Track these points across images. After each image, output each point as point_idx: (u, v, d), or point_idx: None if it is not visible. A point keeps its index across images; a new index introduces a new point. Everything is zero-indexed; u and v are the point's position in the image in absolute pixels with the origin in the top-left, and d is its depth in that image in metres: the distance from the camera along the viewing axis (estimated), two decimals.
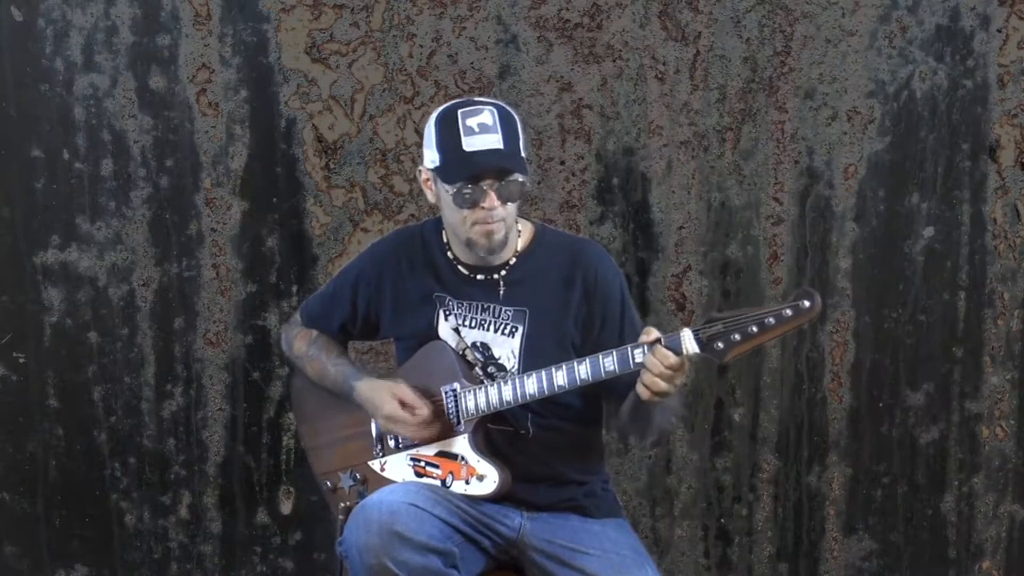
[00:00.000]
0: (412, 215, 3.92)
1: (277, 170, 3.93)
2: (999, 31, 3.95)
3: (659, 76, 3.93)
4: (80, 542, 4.04)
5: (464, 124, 2.79)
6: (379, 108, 3.91)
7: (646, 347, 2.68)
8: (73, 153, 3.90)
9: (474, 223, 2.81)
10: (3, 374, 3.97)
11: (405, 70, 3.90)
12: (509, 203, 2.81)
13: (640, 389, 2.69)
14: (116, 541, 4.04)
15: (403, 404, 2.88)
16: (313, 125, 3.91)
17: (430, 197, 2.91)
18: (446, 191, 2.81)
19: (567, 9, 3.89)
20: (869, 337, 4.04)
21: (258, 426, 4.01)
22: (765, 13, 3.91)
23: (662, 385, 2.66)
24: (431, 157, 2.84)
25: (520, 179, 2.80)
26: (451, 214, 2.84)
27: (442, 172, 2.82)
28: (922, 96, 3.96)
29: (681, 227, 3.98)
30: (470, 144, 2.78)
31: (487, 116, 2.80)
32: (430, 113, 3.87)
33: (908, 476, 4.10)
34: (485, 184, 2.78)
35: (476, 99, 2.88)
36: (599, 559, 2.87)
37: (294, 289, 3.96)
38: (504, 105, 2.86)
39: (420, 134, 3.90)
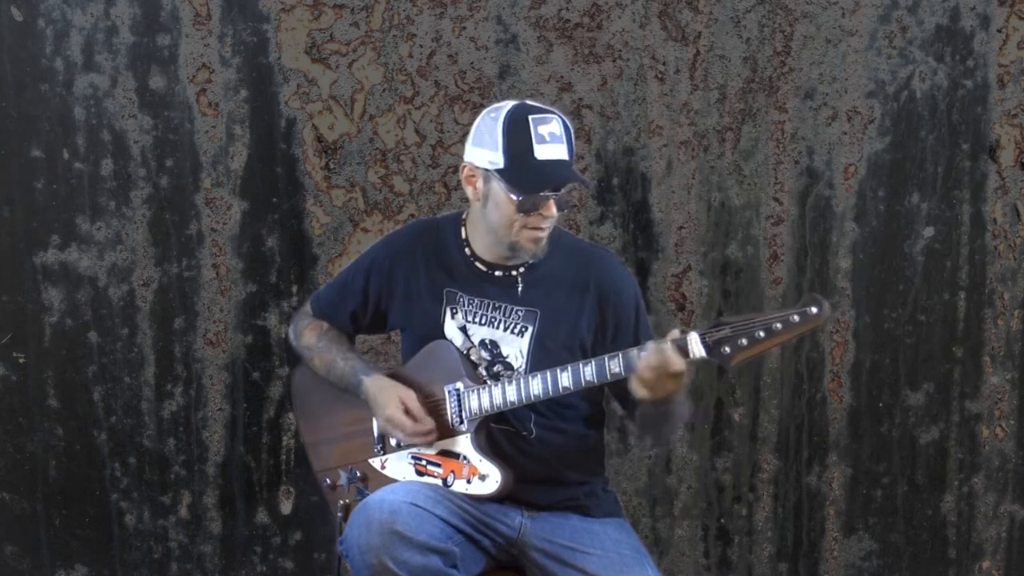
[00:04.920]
0: (412, 215, 3.92)
1: (277, 170, 3.93)
2: (999, 31, 3.95)
3: (659, 76, 3.93)
4: (80, 542, 4.04)
5: (536, 132, 2.77)
6: (379, 108, 3.91)
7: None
8: (73, 153, 3.90)
9: (524, 227, 2.81)
10: (3, 374, 3.97)
11: (405, 70, 3.90)
12: (562, 211, 2.83)
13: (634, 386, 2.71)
14: (116, 541, 4.04)
15: (407, 411, 2.88)
16: (313, 125, 3.91)
17: (470, 194, 2.88)
18: (505, 193, 2.79)
19: (567, 9, 3.89)
20: (869, 337, 4.04)
21: (258, 426, 4.01)
22: (765, 13, 3.92)
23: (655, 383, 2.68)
24: (490, 158, 2.80)
25: (575, 190, 2.81)
26: (500, 216, 2.82)
27: (507, 175, 2.78)
28: (922, 96, 3.96)
29: (681, 227, 3.98)
30: (541, 152, 2.77)
31: (556, 126, 2.79)
32: (428, 111, 3.88)
33: (908, 476, 4.10)
34: (547, 191, 2.78)
35: (539, 105, 2.85)
36: (599, 559, 2.87)
37: (294, 289, 3.96)
38: (562, 114, 2.86)
39: (420, 134, 3.90)
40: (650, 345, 2.68)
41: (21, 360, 3.97)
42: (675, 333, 2.68)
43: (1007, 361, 4.07)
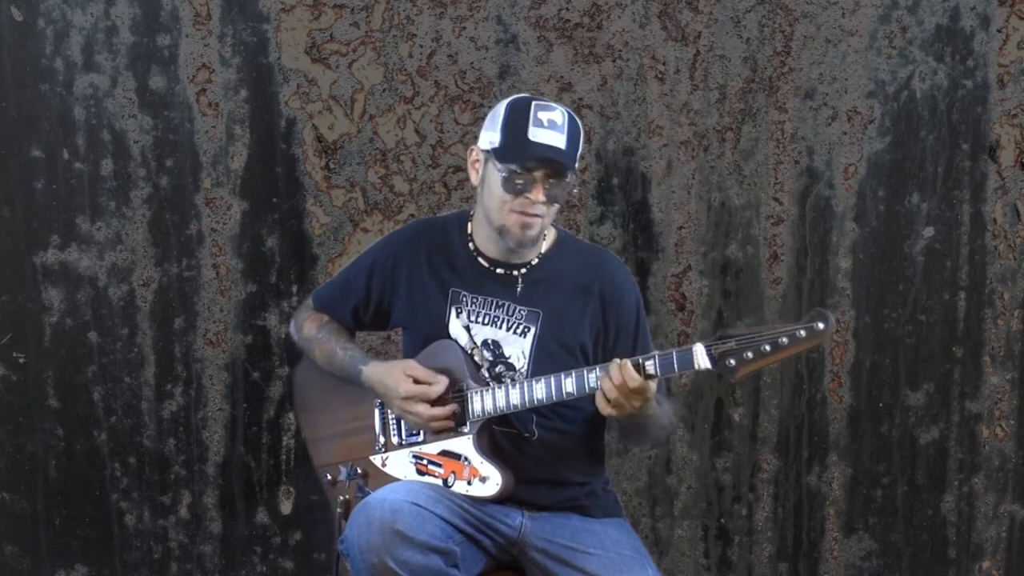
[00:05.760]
0: (412, 215, 3.92)
1: (277, 170, 3.93)
2: (999, 31, 3.95)
3: (659, 76, 3.93)
4: (80, 542, 4.04)
5: (535, 115, 2.80)
6: (379, 108, 3.91)
7: (658, 357, 2.69)
8: (73, 153, 3.90)
9: (512, 211, 2.82)
10: (3, 374, 3.97)
11: (405, 70, 3.90)
12: (553, 204, 2.83)
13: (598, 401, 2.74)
14: (116, 541, 4.04)
15: (416, 381, 2.88)
16: (313, 125, 3.91)
17: (474, 178, 2.91)
18: (497, 172, 2.82)
19: (567, 9, 3.89)
20: (869, 337, 4.04)
21: (258, 426, 4.01)
22: (765, 13, 3.92)
23: (619, 400, 2.71)
24: (490, 138, 2.85)
25: (570, 183, 2.82)
26: (492, 198, 2.85)
27: (499, 152, 2.81)
28: (922, 96, 3.96)
29: (681, 227, 3.99)
30: (535, 135, 2.79)
31: (558, 115, 2.82)
32: (428, 111, 3.89)
33: (908, 476, 4.10)
34: (537, 175, 2.79)
35: (552, 102, 2.88)
36: (600, 558, 2.87)
37: (294, 289, 3.95)
38: (574, 115, 2.87)
39: (420, 134, 3.91)
40: (655, 361, 2.70)
41: (21, 360, 3.97)
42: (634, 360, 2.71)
43: (1007, 361, 4.08)
